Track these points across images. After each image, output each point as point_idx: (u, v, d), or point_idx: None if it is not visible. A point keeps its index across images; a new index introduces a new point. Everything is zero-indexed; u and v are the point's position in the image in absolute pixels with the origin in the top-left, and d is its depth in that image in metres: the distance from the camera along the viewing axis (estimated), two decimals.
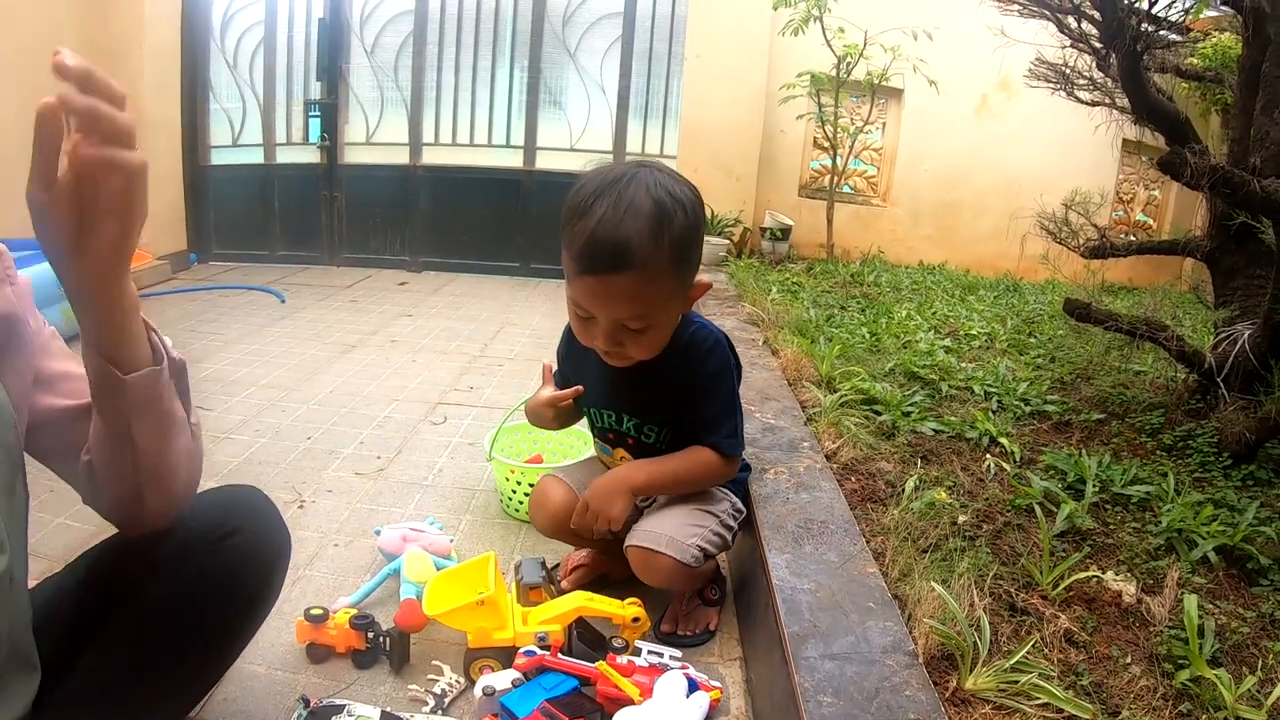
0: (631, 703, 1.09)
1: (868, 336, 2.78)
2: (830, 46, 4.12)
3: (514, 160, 4.72)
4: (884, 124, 4.96)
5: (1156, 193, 5.22)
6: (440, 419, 2.38)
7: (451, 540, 1.59)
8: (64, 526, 1.59)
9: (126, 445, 0.76)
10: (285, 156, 4.71)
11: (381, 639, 1.26)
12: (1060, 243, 2.47)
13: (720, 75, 4.41)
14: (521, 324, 3.63)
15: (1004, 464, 1.69)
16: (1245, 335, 1.79)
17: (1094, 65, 2.56)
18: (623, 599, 1.27)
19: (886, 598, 1.15)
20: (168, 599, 0.84)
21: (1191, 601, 1.11)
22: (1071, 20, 2.21)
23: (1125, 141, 4.66)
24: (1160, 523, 1.42)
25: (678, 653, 1.23)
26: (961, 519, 1.43)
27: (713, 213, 4.30)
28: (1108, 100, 2.92)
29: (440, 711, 1.15)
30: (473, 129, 4.69)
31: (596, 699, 1.13)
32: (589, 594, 1.29)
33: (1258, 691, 0.99)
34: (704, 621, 1.39)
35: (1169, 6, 2.19)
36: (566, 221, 1.14)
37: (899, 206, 4.98)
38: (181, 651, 0.87)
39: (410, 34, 4.58)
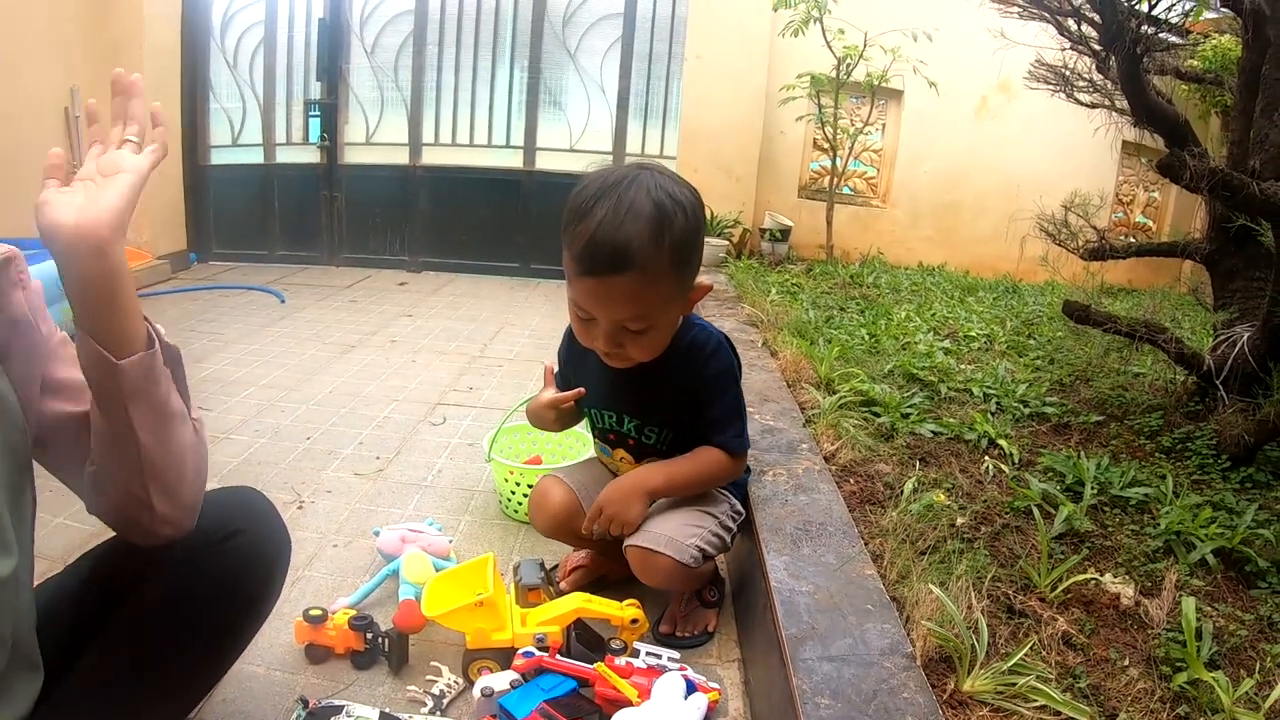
0: (630, 704, 1.09)
1: (867, 338, 2.78)
2: (830, 48, 4.13)
3: (514, 161, 4.72)
4: (884, 125, 4.96)
5: (1156, 195, 5.22)
6: (439, 419, 2.38)
7: (450, 541, 1.59)
8: (64, 526, 1.59)
9: (128, 440, 0.76)
10: (285, 156, 4.71)
11: (380, 640, 1.26)
12: (1059, 244, 2.47)
13: (720, 76, 4.42)
14: (521, 324, 3.63)
15: (1002, 466, 1.69)
16: (1244, 338, 1.79)
17: (1093, 67, 2.56)
18: (621, 600, 1.27)
19: (885, 600, 1.15)
20: (168, 599, 0.84)
21: (1189, 604, 1.12)
22: (1071, 23, 2.21)
23: (1125, 144, 4.67)
24: (1159, 525, 1.43)
25: (676, 654, 1.23)
26: (960, 521, 1.43)
27: (712, 214, 4.30)
28: (1107, 102, 2.92)
29: (439, 712, 1.15)
30: (472, 129, 4.69)
31: (595, 700, 1.13)
32: (587, 595, 1.29)
33: (1255, 694, 0.99)
34: (702, 623, 1.39)
35: (1169, 9, 2.19)
36: (567, 223, 1.14)
37: (898, 208, 4.99)
38: (181, 652, 0.87)
39: (410, 34, 4.58)
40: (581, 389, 1.36)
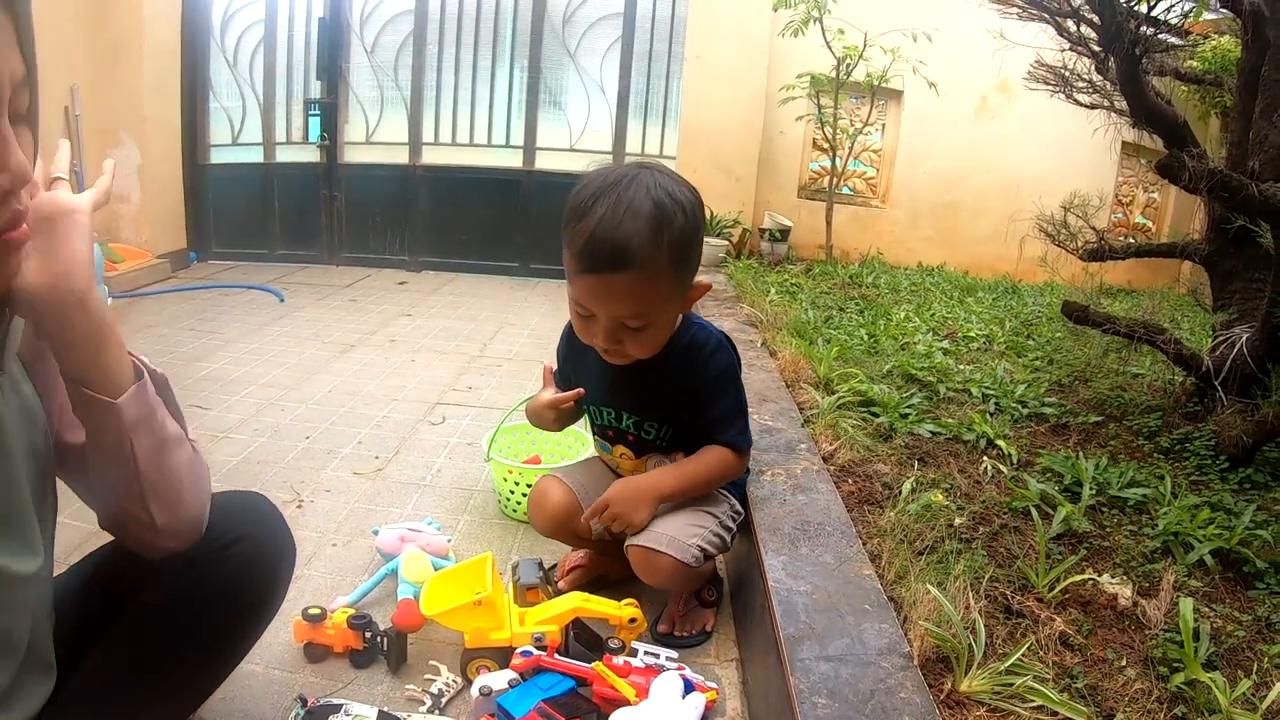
0: (628, 703, 1.09)
1: (866, 338, 2.78)
2: (830, 48, 4.13)
3: (514, 160, 4.72)
4: (883, 125, 4.96)
5: (1155, 196, 5.22)
6: (439, 419, 2.38)
7: (449, 540, 1.59)
8: (63, 526, 1.56)
9: (127, 470, 0.75)
10: (285, 156, 4.71)
11: (379, 639, 1.26)
12: (1059, 245, 2.47)
13: (720, 76, 4.42)
14: (520, 324, 3.63)
15: (1001, 466, 1.70)
16: (1243, 339, 1.79)
17: (1093, 68, 2.56)
18: (620, 600, 1.27)
19: (882, 600, 1.16)
20: (169, 605, 0.84)
21: (1187, 605, 1.12)
22: (1070, 23, 2.22)
23: (1124, 144, 4.67)
24: (1157, 526, 1.43)
25: (674, 654, 1.23)
26: (958, 521, 1.44)
27: (712, 213, 4.30)
28: (1107, 103, 2.93)
29: (437, 711, 1.15)
30: (472, 129, 4.69)
31: (593, 699, 1.13)
32: (586, 595, 1.29)
33: (1253, 695, 0.99)
34: (700, 623, 1.39)
35: (1168, 10, 2.19)
36: (567, 221, 1.15)
37: (898, 208, 4.99)
38: (182, 657, 0.87)
39: (410, 34, 4.58)
40: (581, 389, 1.36)
